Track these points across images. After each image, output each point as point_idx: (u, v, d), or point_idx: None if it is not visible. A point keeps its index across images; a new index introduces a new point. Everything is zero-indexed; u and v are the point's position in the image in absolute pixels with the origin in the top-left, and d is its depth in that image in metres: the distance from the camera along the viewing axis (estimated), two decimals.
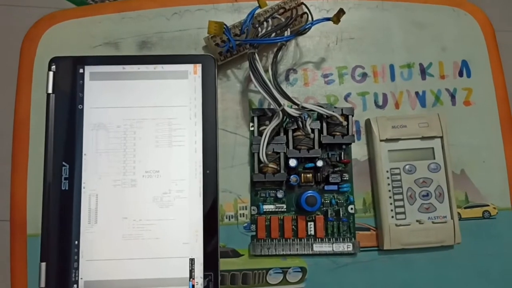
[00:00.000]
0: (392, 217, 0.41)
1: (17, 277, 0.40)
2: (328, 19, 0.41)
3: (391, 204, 0.41)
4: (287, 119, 0.41)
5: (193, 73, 0.42)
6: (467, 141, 0.44)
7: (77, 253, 0.38)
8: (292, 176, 0.41)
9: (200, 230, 0.39)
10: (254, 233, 0.41)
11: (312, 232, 0.41)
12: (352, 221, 0.41)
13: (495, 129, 0.44)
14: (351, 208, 0.42)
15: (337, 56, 0.45)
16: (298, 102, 0.40)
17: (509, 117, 0.44)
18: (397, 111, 0.44)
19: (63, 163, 0.39)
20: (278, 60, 0.41)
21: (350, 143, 0.42)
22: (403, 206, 0.41)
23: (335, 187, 0.42)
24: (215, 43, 0.41)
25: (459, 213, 0.42)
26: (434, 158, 0.42)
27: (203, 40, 0.43)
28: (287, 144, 0.41)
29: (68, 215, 0.39)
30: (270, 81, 0.39)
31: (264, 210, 0.41)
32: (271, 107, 0.40)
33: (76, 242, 0.38)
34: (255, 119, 0.42)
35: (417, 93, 0.45)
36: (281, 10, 0.41)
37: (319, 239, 0.41)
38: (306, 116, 0.40)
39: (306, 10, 0.42)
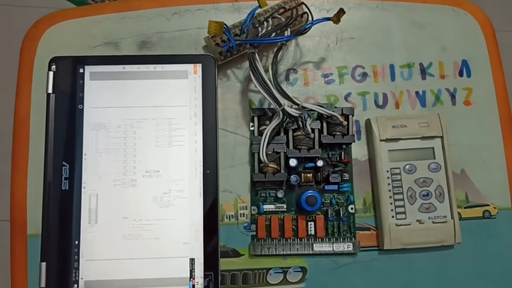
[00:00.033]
0: (393, 217, 0.41)
1: (17, 277, 0.40)
2: (328, 19, 0.41)
3: (391, 204, 0.41)
4: (287, 119, 0.41)
5: (193, 73, 0.42)
6: (467, 141, 0.44)
7: (77, 253, 0.38)
8: (292, 176, 0.40)
9: (200, 230, 0.39)
10: (254, 233, 0.41)
11: (312, 232, 0.41)
12: (352, 221, 0.41)
13: (495, 129, 0.44)
14: (351, 208, 0.42)
15: (337, 56, 0.45)
16: (298, 102, 0.40)
17: (509, 117, 0.44)
18: (397, 111, 0.44)
19: (63, 163, 0.39)
20: (278, 60, 0.41)
21: (350, 143, 0.42)
22: (403, 206, 0.41)
23: (335, 187, 0.42)
24: (215, 43, 0.41)
25: (459, 213, 0.42)
26: (434, 158, 0.42)
27: (203, 40, 0.43)
28: (287, 144, 0.41)
29: (68, 215, 0.39)
30: (270, 81, 0.39)
31: (264, 210, 0.41)
32: (271, 107, 0.40)
33: (76, 242, 0.38)
34: (255, 119, 0.42)
35: (417, 93, 0.45)
36: (281, 10, 0.41)
37: (320, 239, 0.41)
38: (306, 116, 0.40)
39: (306, 10, 0.42)
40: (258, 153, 0.40)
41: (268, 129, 0.40)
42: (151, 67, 0.41)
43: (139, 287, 0.38)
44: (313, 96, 0.44)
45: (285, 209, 0.41)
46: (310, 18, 0.42)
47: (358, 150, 0.43)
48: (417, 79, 0.45)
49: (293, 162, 0.40)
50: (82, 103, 0.41)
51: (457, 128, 0.44)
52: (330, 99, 0.44)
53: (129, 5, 0.45)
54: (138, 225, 0.39)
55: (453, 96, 0.45)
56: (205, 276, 0.38)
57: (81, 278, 0.38)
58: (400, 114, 0.44)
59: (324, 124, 0.41)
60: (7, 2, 1.10)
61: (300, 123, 0.40)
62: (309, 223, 0.41)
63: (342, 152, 0.42)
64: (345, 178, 0.42)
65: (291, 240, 0.41)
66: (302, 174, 0.41)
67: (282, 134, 0.41)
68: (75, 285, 0.38)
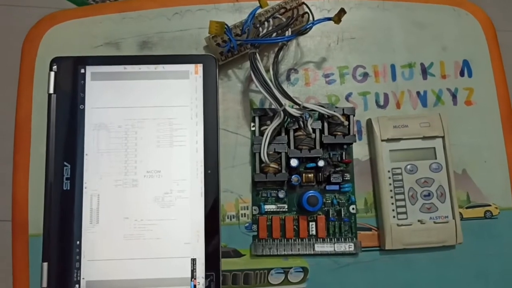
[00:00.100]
0: (394, 217, 0.41)
1: (19, 277, 0.40)
2: (329, 19, 0.41)
3: (392, 204, 0.41)
4: (288, 119, 0.41)
5: (194, 73, 0.42)
6: (468, 141, 0.43)
7: (79, 253, 0.38)
8: (293, 176, 0.40)
9: (201, 230, 0.39)
10: (255, 233, 0.41)
11: (314, 232, 0.41)
12: (353, 221, 0.41)
13: (497, 129, 0.44)
14: (353, 208, 0.42)
15: (338, 56, 0.45)
16: (299, 102, 0.40)
17: (511, 117, 0.44)
18: (399, 111, 0.44)
19: (65, 163, 0.40)
20: (279, 60, 0.41)
21: (352, 143, 0.42)
22: (404, 206, 0.41)
23: (336, 187, 0.41)
24: (216, 43, 0.41)
25: (460, 213, 0.42)
26: (436, 158, 0.42)
27: (204, 40, 0.43)
28: (288, 144, 0.41)
29: (70, 215, 0.39)
30: (271, 81, 0.39)
31: (266, 210, 0.41)
32: (272, 107, 0.40)
33: (78, 242, 0.38)
34: (256, 119, 0.42)
35: (418, 93, 0.45)
36: (282, 10, 0.41)
37: (321, 239, 0.41)
38: (307, 116, 0.40)
39: (307, 10, 0.42)
40: (259, 153, 0.40)
41: (269, 129, 0.40)
42: (152, 67, 0.41)
43: (141, 287, 0.38)
44: (314, 96, 0.44)
45: (286, 209, 0.41)
46: (311, 18, 0.42)
47: (359, 150, 0.43)
48: (418, 79, 0.45)
49: (294, 162, 0.40)
50: (83, 103, 0.41)
51: (458, 128, 0.44)
52: (331, 99, 0.44)
53: (130, 5, 0.45)
54: (140, 225, 0.39)
55: (454, 96, 0.45)
56: (206, 276, 0.38)
57: (83, 278, 0.38)
58: (401, 114, 0.44)
59: (325, 124, 0.41)
60: (7, 2, 1.10)
61: (301, 123, 0.40)
62: (310, 223, 0.41)
63: (343, 152, 0.42)
64: (346, 178, 0.42)
65: (292, 240, 0.41)
66: (303, 174, 0.41)
67: (283, 134, 0.41)
68: (77, 285, 0.38)
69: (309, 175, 0.41)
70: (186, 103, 0.41)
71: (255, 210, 0.41)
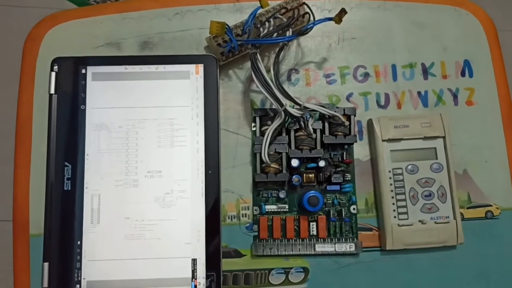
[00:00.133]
0: (395, 217, 0.41)
1: (20, 277, 0.40)
2: (330, 19, 0.41)
3: (393, 204, 0.41)
4: (289, 119, 0.41)
5: (195, 73, 0.42)
6: (469, 141, 0.43)
7: (80, 253, 0.38)
8: (294, 176, 0.40)
9: (202, 230, 0.39)
10: (256, 233, 0.41)
11: (314, 232, 0.41)
12: (354, 221, 0.41)
13: (498, 129, 0.44)
14: (353, 208, 0.42)
15: (339, 56, 0.45)
16: (300, 102, 0.40)
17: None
18: (399, 111, 0.44)
19: (66, 163, 0.40)
20: (280, 60, 0.41)
21: (352, 143, 0.42)
22: (405, 206, 0.41)
23: (337, 187, 0.41)
24: (217, 43, 0.41)
25: (461, 213, 0.42)
26: (437, 158, 0.42)
27: (205, 40, 0.43)
28: (289, 144, 0.41)
29: (71, 215, 0.39)
30: (272, 81, 0.39)
31: (266, 210, 0.41)
32: (273, 107, 0.40)
33: (79, 242, 0.38)
34: (257, 119, 0.41)
35: (419, 93, 0.45)
36: (283, 10, 0.41)
37: (322, 239, 0.41)
38: (308, 116, 0.40)
39: (308, 10, 0.42)
40: (260, 153, 0.40)
41: (270, 130, 0.40)
42: (153, 68, 0.41)
43: (141, 287, 0.38)
44: (315, 96, 0.44)
45: (287, 210, 0.41)
46: (311, 18, 0.42)
47: (360, 150, 0.43)
48: (419, 79, 0.45)
49: (295, 163, 0.40)
50: (84, 104, 0.41)
51: (459, 128, 0.44)
52: (332, 99, 0.44)
53: (131, 6, 0.45)
54: (140, 225, 0.39)
55: (455, 96, 0.45)
56: (207, 277, 0.38)
57: (83, 278, 0.38)
58: (402, 114, 0.44)
59: (326, 124, 0.41)
60: (8, 2, 1.10)
61: (302, 123, 0.40)
62: (311, 223, 0.41)
63: (344, 152, 0.42)
64: (347, 179, 0.42)
65: (293, 240, 0.41)
66: (304, 175, 0.41)
67: (284, 134, 0.41)
68: (77, 285, 0.38)
69: (310, 175, 0.41)
70: (187, 103, 0.41)
71: (255, 210, 0.41)
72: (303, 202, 0.40)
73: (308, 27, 0.42)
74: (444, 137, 0.42)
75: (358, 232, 0.41)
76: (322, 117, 0.41)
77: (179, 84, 0.41)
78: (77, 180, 0.39)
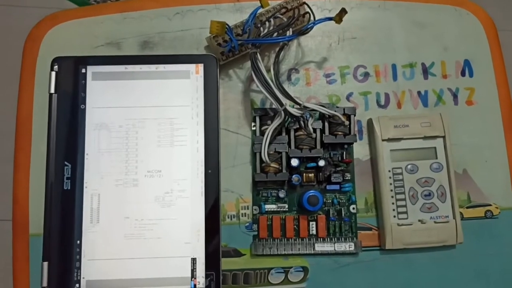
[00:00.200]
0: (394, 216, 0.41)
1: (19, 276, 0.40)
2: (330, 18, 0.41)
3: (393, 203, 0.41)
4: (289, 119, 0.41)
5: (195, 73, 0.42)
6: (469, 141, 0.43)
7: (79, 253, 0.38)
8: (294, 176, 0.40)
9: (202, 229, 0.39)
10: (256, 233, 0.41)
11: (314, 232, 0.41)
12: (354, 221, 0.41)
13: (498, 129, 0.44)
14: (353, 208, 0.42)
15: (339, 56, 0.45)
16: (300, 102, 0.40)
17: None
18: (399, 110, 0.44)
19: (65, 162, 0.40)
20: (280, 59, 0.41)
21: (352, 143, 0.42)
22: (405, 206, 0.41)
23: (337, 187, 0.41)
24: (217, 43, 0.41)
25: (461, 213, 0.42)
26: (436, 158, 0.42)
27: (205, 40, 0.43)
28: (289, 143, 0.41)
29: (70, 214, 0.39)
30: (272, 80, 0.39)
31: (266, 209, 0.41)
32: (273, 106, 0.40)
33: (78, 242, 0.38)
34: (257, 119, 0.42)
35: (419, 92, 0.45)
36: (283, 10, 0.41)
37: (321, 239, 0.41)
38: (308, 115, 0.40)
39: (308, 9, 0.42)
40: (260, 153, 0.40)
41: (270, 129, 0.40)
42: (153, 67, 0.41)
43: (141, 287, 0.38)
44: (315, 96, 0.44)
45: (287, 209, 0.41)
46: (312, 18, 0.42)
47: (360, 150, 0.43)
48: (419, 79, 0.45)
49: (294, 162, 0.40)
50: (84, 103, 0.41)
51: (459, 127, 0.44)
52: (332, 99, 0.44)
53: (131, 6, 0.45)
54: (140, 225, 0.39)
55: (455, 96, 0.45)
56: (206, 276, 0.38)
57: (83, 278, 0.38)
58: (402, 114, 0.44)
59: (326, 124, 0.41)
60: (8, 2, 1.10)
61: (301, 123, 0.40)
62: (310, 223, 0.41)
63: (344, 152, 0.42)
64: (346, 178, 0.42)
65: (292, 240, 0.41)
66: (304, 174, 0.41)
67: (283, 134, 0.41)
68: (77, 285, 0.38)
69: (310, 174, 0.41)
70: (187, 103, 0.41)
71: (255, 209, 0.41)
72: (302, 202, 0.40)
73: (308, 26, 0.42)
74: (444, 137, 0.42)
75: (358, 231, 0.41)
76: (322, 117, 0.42)
77: (179, 83, 0.41)
78: (77, 180, 0.39)
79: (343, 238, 0.41)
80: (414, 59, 0.45)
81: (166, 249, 0.39)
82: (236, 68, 0.44)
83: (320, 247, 0.41)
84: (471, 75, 0.45)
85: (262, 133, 0.41)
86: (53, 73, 0.41)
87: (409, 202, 0.41)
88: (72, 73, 0.41)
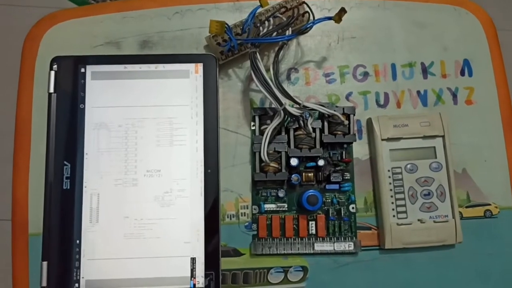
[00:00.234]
0: (394, 216, 0.41)
1: (19, 276, 0.40)
2: (329, 18, 0.41)
3: (392, 203, 0.41)
4: (289, 118, 0.41)
5: (195, 72, 0.42)
6: (468, 140, 0.43)
7: (79, 252, 0.38)
8: (293, 175, 0.40)
9: (201, 229, 0.39)
10: (255, 232, 0.41)
11: (313, 231, 0.41)
12: (353, 220, 0.41)
13: (497, 128, 0.44)
14: (353, 207, 0.42)
15: (339, 55, 0.45)
16: (300, 101, 0.40)
17: (511, 116, 0.44)
18: (399, 110, 0.44)
19: (65, 162, 0.40)
20: (279, 59, 0.41)
21: (352, 142, 0.42)
22: (404, 205, 0.41)
23: (336, 186, 0.41)
24: (216, 42, 0.41)
25: (460, 212, 0.42)
26: (436, 157, 0.42)
27: (205, 39, 0.43)
28: (288, 143, 0.41)
29: (70, 214, 0.39)
30: (271, 80, 0.39)
31: (265, 209, 0.41)
32: (273, 106, 0.40)
33: (78, 241, 0.38)
34: (257, 118, 0.42)
35: (418, 92, 0.45)
36: (283, 9, 0.41)
37: (320, 238, 0.41)
38: (308, 115, 0.40)
39: (307, 9, 0.42)
40: (259, 152, 0.40)
41: (269, 129, 0.40)
42: (152, 67, 0.41)
43: (140, 286, 0.38)
44: (314, 95, 0.44)
45: (286, 209, 0.41)
46: (311, 18, 0.42)
47: (359, 150, 0.43)
48: (419, 79, 0.45)
49: (294, 162, 0.40)
50: (84, 103, 0.41)
51: (458, 127, 0.44)
52: (332, 98, 0.44)
53: (131, 5, 0.45)
54: (139, 225, 0.39)
55: (454, 95, 0.45)
56: (206, 276, 0.38)
57: (82, 277, 0.38)
58: (402, 114, 0.44)
59: (325, 123, 0.41)
60: (8, 2, 1.10)
61: (301, 122, 0.40)
62: (310, 222, 0.41)
63: (343, 152, 0.42)
64: (346, 178, 0.42)
65: (292, 239, 0.41)
66: (303, 174, 0.41)
67: (283, 133, 0.41)
68: (76, 285, 0.38)
69: (309, 174, 0.41)
70: (186, 102, 0.41)
71: (255, 209, 0.41)
72: (302, 201, 0.40)
73: (308, 26, 0.42)
74: (443, 136, 0.42)
75: (357, 231, 0.41)
76: (321, 116, 0.42)
77: (179, 83, 0.41)
78: (76, 179, 0.39)
79: (342, 238, 0.41)
80: (413, 58, 0.45)
81: (166, 249, 0.39)
82: (235, 68, 0.44)
83: (319, 246, 0.41)
84: (470, 74, 0.45)
85: (262, 132, 0.41)
86: (52, 73, 0.41)
87: (409, 201, 0.41)
88: (71, 73, 0.41)
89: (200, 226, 0.39)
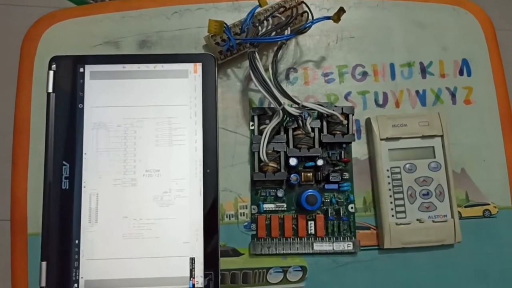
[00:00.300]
0: (393, 216, 0.41)
1: (18, 276, 0.40)
2: (328, 17, 0.41)
3: (391, 203, 0.41)
4: (288, 118, 0.41)
5: (193, 72, 0.42)
6: (467, 140, 0.44)
7: (78, 252, 0.38)
8: (292, 175, 0.40)
9: (200, 229, 0.39)
10: (254, 232, 0.41)
11: (313, 231, 0.41)
12: (352, 220, 0.41)
13: (496, 128, 0.44)
14: (352, 207, 0.42)
15: (338, 55, 0.45)
16: (298, 101, 0.40)
17: (510, 116, 0.44)
18: (398, 110, 0.44)
19: (64, 162, 0.39)
20: (278, 59, 0.41)
21: (351, 142, 0.42)
22: (403, 205, 0.41)
23: (335, 186, 0.41)
24: (215, 42, 0.41)
25: (459, 212, 0.42)
26: (435, 157, 0.42)
27: (203, 39, 0.43)
28: (287, 143, 0.41)
29: (69, 214, 0.39)
30: (270, 80, 0.39)
31: (265, 209, 0.41)
32: (272, 106, 0.40)
33: (77, 241, 0.38)
34: (255, 118, 0.42)
35: (417, 92, 0.45)
36: (282, 9, 0.41)
37: (320, 238, 0.41)
38: (307, 115, 0.40)
39: (306, 9, 0.42)
40: (258, 152, 0.40)
41: (268, 128, 0.40)
42: (151, 66, 0.41)
43: (140, 286, 0.38)
44: (313, 95, 0.44)
45: (285, 208, 0.41)
46: (310, 17, 0.42)
47: (358, 149, 0.43)
48: (417, 78, 0.45)
49: (293, 161, 0.40)
50: (82, 102, 0.41)
51: (457, 127, 0.44)
52: (330, 98, 0.44)
53: (130, 4, 0.45)
54: (139, 224, 0.39)
55: (453, 95, 0.45)
56: (205, 275, 0.38)
57: (81, 277, 0.38)
58: (400, 113, 0.44)
59: (324, 123, 0.41)
60: (7, 1, 1.10)
61: (300, 122, 0.40)
62: (309, 222, 0.41)
63: (342, 151, 0.42)
64: (345, 177, 0.42)
65: (291, 239, 0.41)
66: (302, 173, 0.41)
67: (282, 133, 0.41)
68: (75, 285, 0.38)
69: (308, 174, 0.41)
70: (185, 102, 0.41)
71: (254, 209, 0.41)
72: (301, 201, 0.40)
73: (307, 26, 0.41)
74: (442, 136, 0.42)
75: (356, 231, 0.41)
76: (320, 116, 0.42)
77: (178, 83, 0.41)
78: (75, 179, 0.39)
79: (341, 238, 0.41)
80: (412, 58, 0.45)
81: (165, 249, 0.39)
82: (234, 67, 0.44)
83: (318, 246, 0.41)
84: (469, 74, 0.45)
85: (261, 132, 0.41)
86: (51, 72, 0.41)
87: (408, 201, 0.41)
88: (70, 72, 0.41)
89: (199, 226, 0.39)
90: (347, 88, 0.44)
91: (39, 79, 0.43)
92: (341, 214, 0.41)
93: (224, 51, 0.42)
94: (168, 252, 0.39)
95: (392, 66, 0.45)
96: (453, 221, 0.41)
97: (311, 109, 0.40)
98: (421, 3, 0.46)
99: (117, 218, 0.39)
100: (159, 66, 0.41)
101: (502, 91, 0.45)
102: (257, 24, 0.40)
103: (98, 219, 0.39)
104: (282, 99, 0.39)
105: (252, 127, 0.42)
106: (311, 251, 0.41)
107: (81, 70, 0.41)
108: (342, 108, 0.41)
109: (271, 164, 0.40)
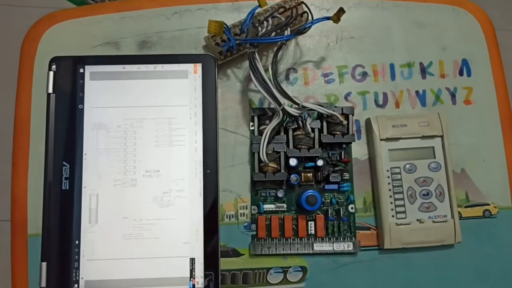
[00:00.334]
0: (393, 216, 0.41)
1: (18, 277, 0.40)
2: (328, 18, 0.41)
3: (391, 203, 0.41)
4: (287, 119, 0.41)
5: (193, 72, 0.42)
6: (467, 140, 0.44)
7: (78, 253, 0.38)
8: (292, 176, 0.40)
9: (200, 229, 0.39)
10: (254, 233, 0.41)
11: (313, 232, 0.41)
12: (352, 221, 0.41)
13: (496, 128, 0.44)
14: (352, 208, 0.42)
15: (337, 55, 0.45)
16: (298, 102, 0.40)
17: (510, 116, 0.44)
18: (398, 110, 0.44)
19: (64, 162, 0.40)
20: (278, 59, 0.41)
21: (350, 142, 0.42)
22: (403, 205, 0.41)
23: (335, 186, 0.42)
24: (215, 42, 0.41)
25: (459, 212, 0.42)
26: (435, 157, 0.42)
27: (203, 39, 0.43)
28: (287, 143, 0.41)
29: (69, 214, 0.39)
30: (270, 80, 0.39)
31: (265, 209, 0.41)
32: (271, 106, 0.40)
33: (77, 242, 0.38)
34: (255, 119, 0.42)
35: (417, 92, 0.45)
36: (281, 9, 0.41)
37: (320, 239, 0.41)
38: (306, 115, 0.40)
39: (306, 9, 0.42)
40: (258, 152, 0.40)
41: (268, 129, 0.40)
42: (151, 67, 0.41)
43: (140, 287, 0.38)
44: (313, 95, 0.44)
45: (285, 209, 0.41)
46: (310, 18, 0.42)
47: (358, 150, 0.43)
48: (417, 79, 0.45)
49: (293, 162, 0.40)
50: (82, 103, 0.41)
51: (457, 127, 0.44)
52: (330, 98, 0.44)
53: (129, 5, 0.45)
54: (139, 225, 0.39)
55: (453, 95, 0.45)
56: (205, 276, 0.38)
57: (82, 278, 0.38)
58: (400, 114, 0.44)
59: (324, 123, 0.41)
60: (7, 2, 1.10)
61: (300, 122, 0.40)
62: (309, 222, 0.41)
63: (342, 152, 0.42)
64: (345, 178, 0.42)
65: (291, 239, 0.41)
66: (302, 174, 0.41)
67: (282, 133, 0.41)
68: (76, 285, 0.38)
69: (308, 174, 0.41)
70: (185, 102, 0.41)
71: (254, 209, 0.41)
72: (301, 201, 0.40)
73: (306, 26, 0.41)
74: (442, 136, 0.42)
75: (356, 231, 0.41)
76: (320, 116, 0.42)
77: (177, 83, 0.41)
78: (75, 180, 0.39)
79: (341, 238, 0.41)
80: (412, 58, 0.45)
81: (165, 249, 0.39)
82: (234, 68, 0.44)
83: (318, 246, 0.41)
84: (469, 74, 0.45)
85: (261, 132, 0.41)
86: (51, 73, 0.41)
87: (408, 201, 0.41)
88: (70, 73, 0.41)
89: (199, 226, 0.39)
90: (347, 89, 0.44)
91: (39, 79, 0.43)
92: (341, 215, 0.41)
93: (224, 51, 0.42)
94: (168, 252, 0.39)
95: (392, 66, 0.45)
96: (453, 221, 0.41)
97: (311, 109, 0.40)
98: (421, 3, 0.46)
99: (117, 218, 0.39)
100: (159, 67, 0.41)
101: (502, 91, 0.45)
102: (257, 25, 0.40)
103: (98, 219, 0.39)
104: (282, 100, 0.39)
105: (252, 128, 0.42)
106: (311, 252, 0.41)
107: (81, 70, 0.41)
108: (342, 109, 0.41)
109: (271, 164, 0.40)
